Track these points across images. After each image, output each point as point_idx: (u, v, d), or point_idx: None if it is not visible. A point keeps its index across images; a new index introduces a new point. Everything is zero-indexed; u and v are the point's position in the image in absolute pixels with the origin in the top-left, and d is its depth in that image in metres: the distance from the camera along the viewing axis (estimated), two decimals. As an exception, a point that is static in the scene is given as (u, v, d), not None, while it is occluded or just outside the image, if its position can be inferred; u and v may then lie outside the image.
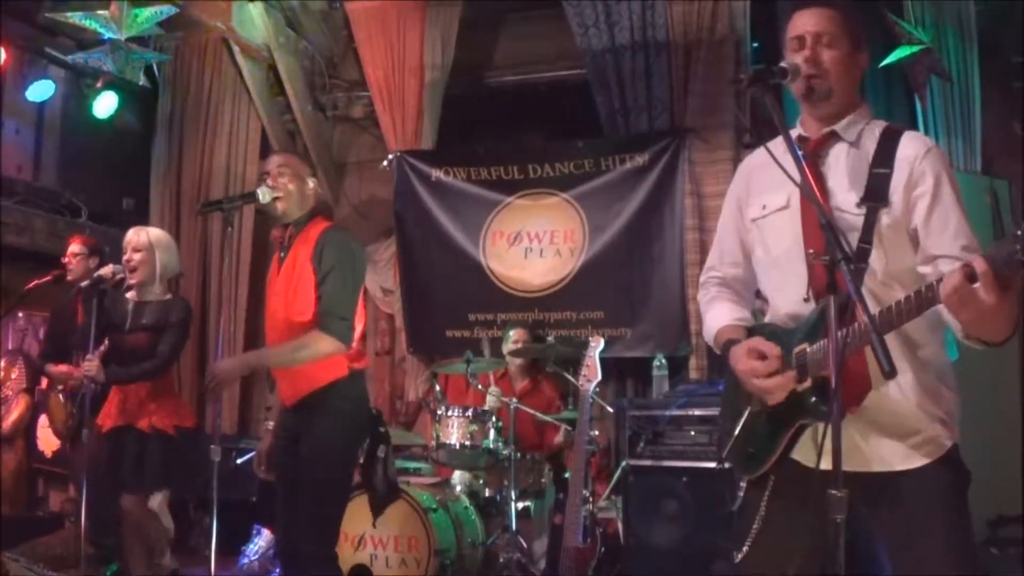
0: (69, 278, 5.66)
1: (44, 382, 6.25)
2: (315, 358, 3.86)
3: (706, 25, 6.89)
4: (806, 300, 2.51)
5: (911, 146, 2.53)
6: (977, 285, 2.04)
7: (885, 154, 2.53)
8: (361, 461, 4.15)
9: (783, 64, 2.53)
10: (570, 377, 5.62)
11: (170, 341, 4.94)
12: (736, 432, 2.70)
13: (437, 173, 7.62)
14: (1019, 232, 1.95)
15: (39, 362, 5.85)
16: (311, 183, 4.13)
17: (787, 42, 2.63)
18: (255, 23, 7.93)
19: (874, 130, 2.61)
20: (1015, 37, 6.34)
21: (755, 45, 6.89)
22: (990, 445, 5.44)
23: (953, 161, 6.27)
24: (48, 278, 5.62)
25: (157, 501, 5.23)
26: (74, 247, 5.78)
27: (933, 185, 2.47)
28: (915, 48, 6.27)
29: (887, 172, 2.50)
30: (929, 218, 2.46)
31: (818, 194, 2.30)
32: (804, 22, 2.59)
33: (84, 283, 5.15)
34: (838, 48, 2.58)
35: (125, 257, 4.99)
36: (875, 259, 2.47)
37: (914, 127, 6.37)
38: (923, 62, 6.32)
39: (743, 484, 2.75)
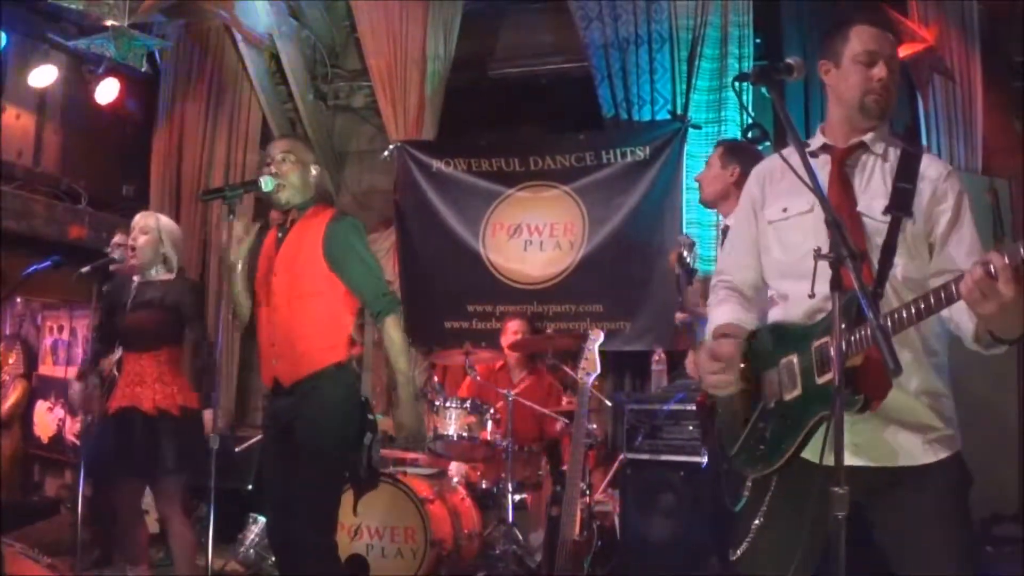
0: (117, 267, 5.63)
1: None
2: (405, 336, 4.16)
3: (709, 19, 6.89)
4: (811, 296, 2.53)
5: (933, 167, 2.67)
6: (996, 278, 2.12)
7: (908, 171, 2.65)
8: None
9: (789, 60, 2.57)
10: (569, 370, 5.63)
11: (197, 329, 5.03)
12: (747, 431, 2.72)
13: (438, 164, 7.61)
14: None
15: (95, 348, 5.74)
16: (314, 170, 4.18)
17: (846, 49, 2.71)
18: (257, 11, 7.92)
19: (895, 147, 2.73)
20: (1017, 36, 6.35)
21: (757, 41, 6.89)
22: (986, 444, 5.46)
23: (954, 160, 6.27)
24: (47, 264, 5.61)
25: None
26: (119, 238, 5.77)
27: (954, 205, 2.61)
28: (918, 47, 6.28)
29: (911, 187, 2.62)
30: (947, 235, 2.59)
31: (843, 197, 2.37)
32: (878, 40, 2.70)
33: (85, 269, 5.16)
34: (898, 74, 2.74)
35: (131, 237, 5.00)
36: (899, 264, 2.56)
37: (916, 126, 6.40)
38: (925, 61, 6.32)
39: (748, 484, 2.77)
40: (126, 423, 4.86)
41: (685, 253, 4.52)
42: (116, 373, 5.23)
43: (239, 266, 4.18)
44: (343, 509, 4.18)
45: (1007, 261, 2.11)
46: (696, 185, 6.72)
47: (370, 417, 4.11)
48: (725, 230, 4.29)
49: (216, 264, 8.17)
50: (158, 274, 5.00)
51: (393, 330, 4.04)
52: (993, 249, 2.16)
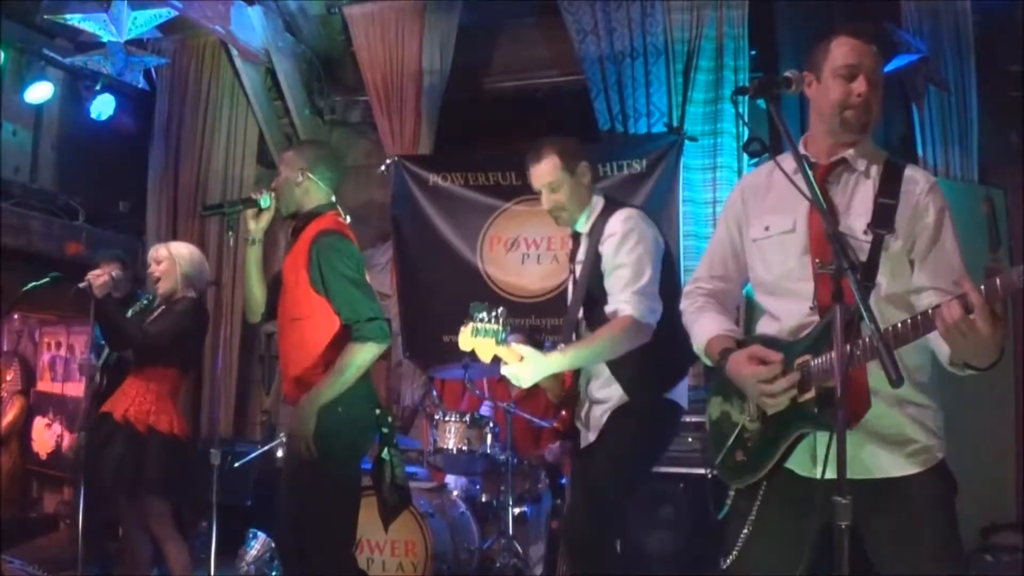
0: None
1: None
2: (362, 369, 3.86)
3: (704, 31, 6.91)
4: (812, 308, 2.57)
5: (915, 181, 2.67)
6: (974, 316, 2.14)
7: (890, 185, 2.65)
8: (370, 466, 4.13)
9: (787, 74, 2.60)
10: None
11: (160, 323, 4.95)
12: (730, 442, 2.74)
13: (435, 178, 7.61)
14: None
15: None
16: (301, 176, 4.05)
17: (827, 62, 2.69)
18: (253, 26, 7.92)
19: (878, 161, 2.72)
20: (1012, 47, 6.36)
21: (752, 52, 6.91)
22: (983, 453, 5.48)
23: (950, 170, 6.30)
24: (45, 280, 5.61)
25: None
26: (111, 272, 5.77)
27: (935, 220, 2.61)
28: (913, 57, 6.30)
29: (892, 203, 2.62)
30: (927, 251, 2.60)
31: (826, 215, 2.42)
32: (860, 54, 2.66)
33: (82, 284, 5.17)
34: (880, 87, 2.69)
35: (148, 271, 5.09)
36: (881, 282, 2.58)
37: (911, 136, 6.42)
38: (921, 71, 6.34)
39: (731, 493, 2.81)
40: (100, 426, 4.94)
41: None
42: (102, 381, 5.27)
43: (255, 248, 4.12)
44: (373, 528, 4.19)
45: (985, 299, 2.14)
46: (688, 198, 6.83)
47: (384, 431, 4.05)
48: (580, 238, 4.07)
49: (213, 279, 8.17)
50: (175, 297, 5.05)
51: (355, 354, 3.80)
52: (972, 287, 2.17)
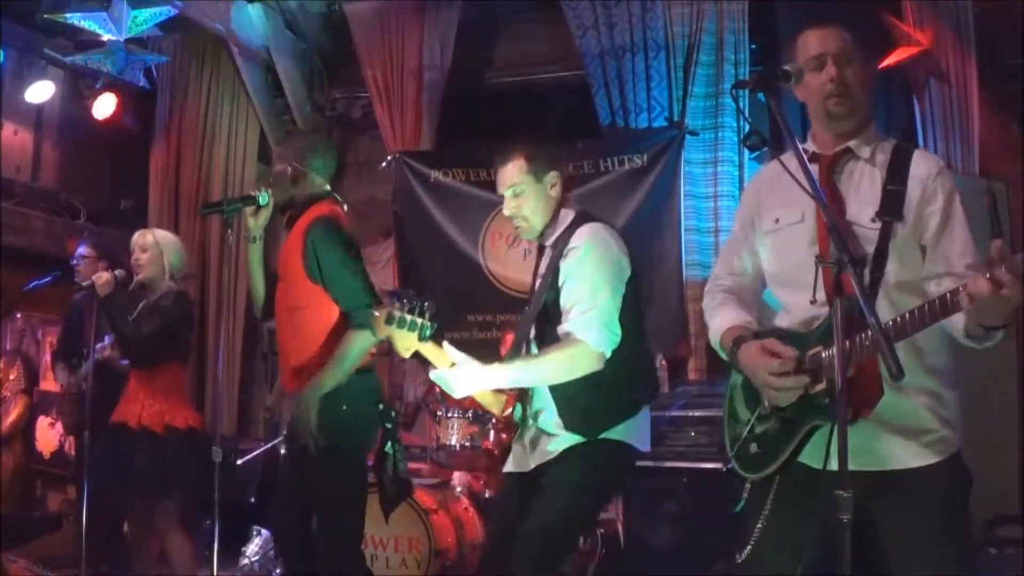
0: (79, 280, 5.58)
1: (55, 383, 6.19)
2: (362, 356, 3.86)
3: (704, 26, 6.90)
4: (812, 303, 2.57)
5: (923, 165, 2.64)
6: (1005, 291, 2.13)
7: (898, 172, 2.63)
8: (371, 462, 4.13)
9: (787, 67, 2.60)
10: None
11: (151, 323, 4.92)
12: (744, 434, 2.74)
13: (436, 174, 7.60)
14: None
15: (54, 360, 5.81)
16: (291, 169, 4.11)
17: (800, 61, 2.69)
18: (254, 24, 7.92)
19: (885, 147, 2.71)
20: (1013, 39, 6.35)
21: (752, 46, 6.90)
22: (987, 445, 5.47)
23: (951, 163, 6.29)
24: (47, 279, 5.61)
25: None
26: (83, 250, 5.75)
27: (944, 205, 2.59)
28: (913, 50, 6.29)
29: (901, 189, 2.60)
30: (939, 236, 2.57)
31: (832, 206, 2.40)
32: (821, 41, 2.69)
33: (86, 283, 5.17)
34: (856, 64, 2.68)
35: (132, 258, 5.03)
36: (891, 269, 2.56)
37: (912, 129, 6.41)
38: (921, 64, 6.34)
39: (747, 486, 2.80)
40: (115, 438, 4.91)
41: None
42: (84, 387, 5.26)
43: (256, 245, 4.13)
44: (376, 524, 4.19)
45: (1010, 274, 2.12)
46: (690, 192, 6.82)
47: (388, 426, 4.03)
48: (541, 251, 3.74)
49: (215, 277, 8.18)
50: (160, 289, 5.02)
51: (354, 342, 3.82)
52: (992, 263, 2.16)
